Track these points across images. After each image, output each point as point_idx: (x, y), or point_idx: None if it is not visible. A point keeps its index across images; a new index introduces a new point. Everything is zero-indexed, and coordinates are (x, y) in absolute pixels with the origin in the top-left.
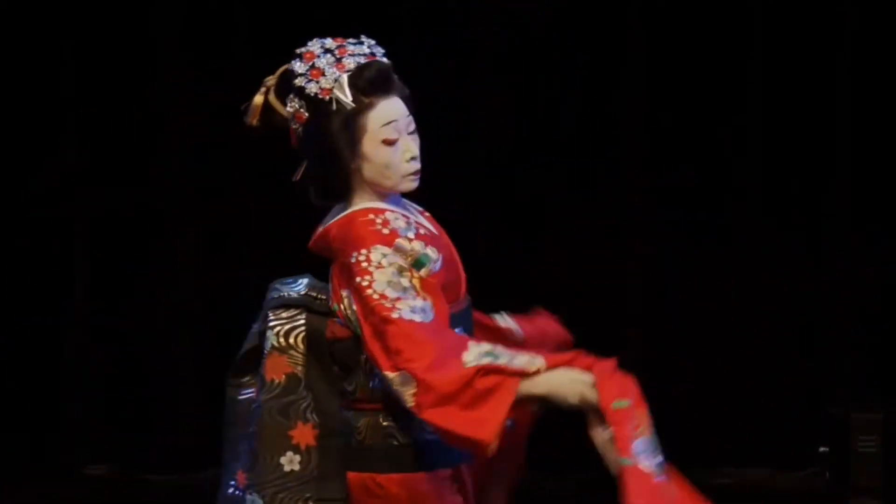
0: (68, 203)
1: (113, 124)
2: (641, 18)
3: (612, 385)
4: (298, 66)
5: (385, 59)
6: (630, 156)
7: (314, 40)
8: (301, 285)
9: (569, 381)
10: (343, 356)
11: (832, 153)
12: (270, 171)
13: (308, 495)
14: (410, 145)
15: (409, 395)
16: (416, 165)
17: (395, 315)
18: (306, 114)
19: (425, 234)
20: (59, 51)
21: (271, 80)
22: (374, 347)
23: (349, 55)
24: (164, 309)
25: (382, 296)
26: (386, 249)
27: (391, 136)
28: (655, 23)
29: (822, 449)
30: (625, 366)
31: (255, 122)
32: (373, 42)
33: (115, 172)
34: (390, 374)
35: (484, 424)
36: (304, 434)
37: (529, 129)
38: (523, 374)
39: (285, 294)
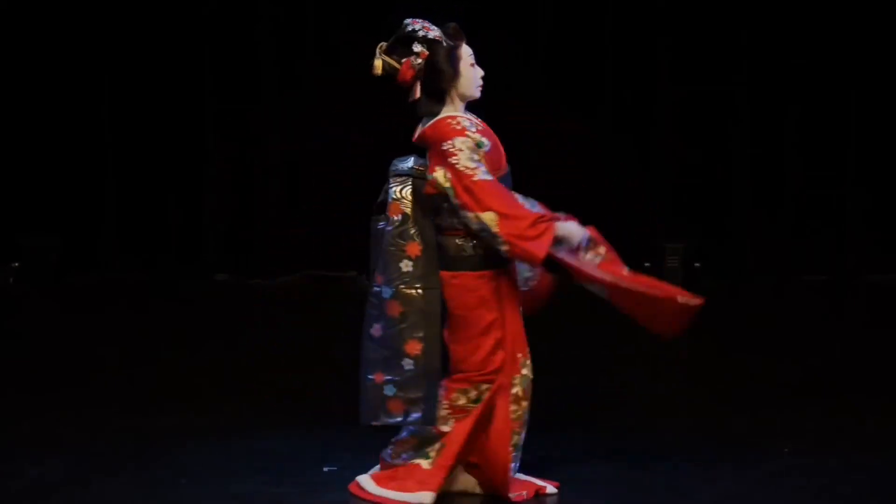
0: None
1: None
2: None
3: (593, 231)
4: (412, 27)
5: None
6: None
7: (406, 20)
8: (410, 160)
9: (575, 228)
10: (435, 204)
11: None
12: None
13: (417, 285)
14: (479, 70)
15: (494, 225)
16: (482, 81)
17: (476, 178)
18: (427, 51)
19: (482, 129)
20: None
21: (384, 46)
22: (467, 199)
23: (431, 24)
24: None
25: (466, 167)
26: (462, 138)
27: (473, 62)
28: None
29: (646, 264)
30: None
31: (380, 72)
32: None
33: None
34: (481, 214)
35: (540, 247)
36: (413, 248)
37: None
38: (556, 221)
39: (400, 167)
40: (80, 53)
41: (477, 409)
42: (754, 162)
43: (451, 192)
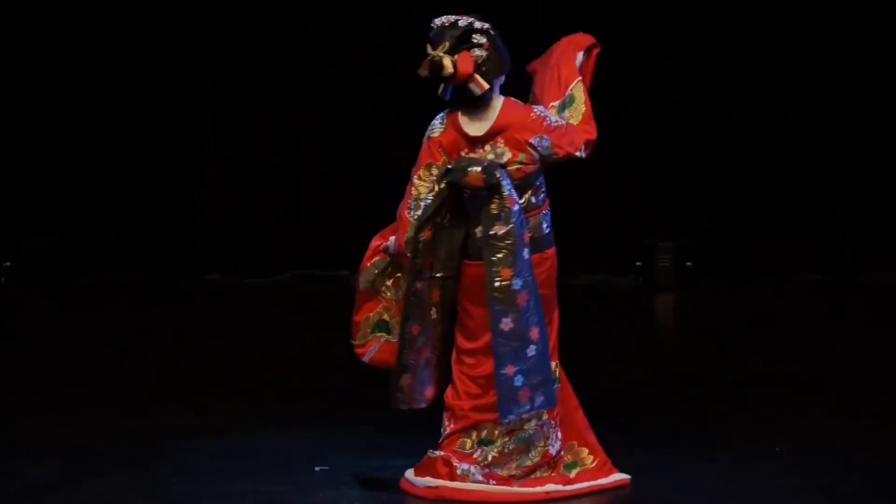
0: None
1: None
2: None
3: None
4: (466, 21)
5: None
6: None
7: (443, 18)
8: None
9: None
10: (524, 184)
11: None
12: None
13: (529, 272)
14: None
15: (583, 154)
16: None
17: (565, 127)
18: (488, 43)
19: None
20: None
21: (445, 48)
22: (568, 148)
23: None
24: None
25: (558, 123)
26: (538, 106)
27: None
28: None
29: (638, 263)
30: None
31: (451, 71)
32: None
33: None
34: (576, 152)
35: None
36: (527, 236)
37: None
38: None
39: (484, 164)
40: (80, 53)
41: (559, 388)
42: (754, 162)
43: (551, 153)
